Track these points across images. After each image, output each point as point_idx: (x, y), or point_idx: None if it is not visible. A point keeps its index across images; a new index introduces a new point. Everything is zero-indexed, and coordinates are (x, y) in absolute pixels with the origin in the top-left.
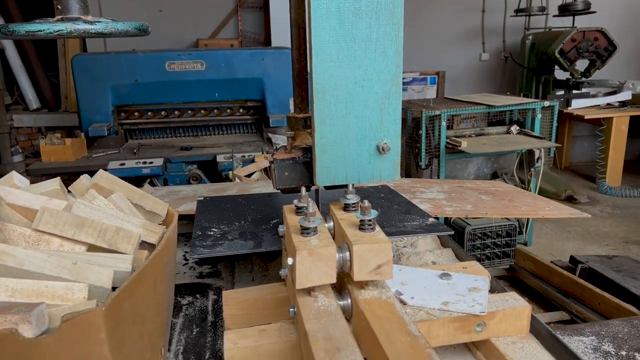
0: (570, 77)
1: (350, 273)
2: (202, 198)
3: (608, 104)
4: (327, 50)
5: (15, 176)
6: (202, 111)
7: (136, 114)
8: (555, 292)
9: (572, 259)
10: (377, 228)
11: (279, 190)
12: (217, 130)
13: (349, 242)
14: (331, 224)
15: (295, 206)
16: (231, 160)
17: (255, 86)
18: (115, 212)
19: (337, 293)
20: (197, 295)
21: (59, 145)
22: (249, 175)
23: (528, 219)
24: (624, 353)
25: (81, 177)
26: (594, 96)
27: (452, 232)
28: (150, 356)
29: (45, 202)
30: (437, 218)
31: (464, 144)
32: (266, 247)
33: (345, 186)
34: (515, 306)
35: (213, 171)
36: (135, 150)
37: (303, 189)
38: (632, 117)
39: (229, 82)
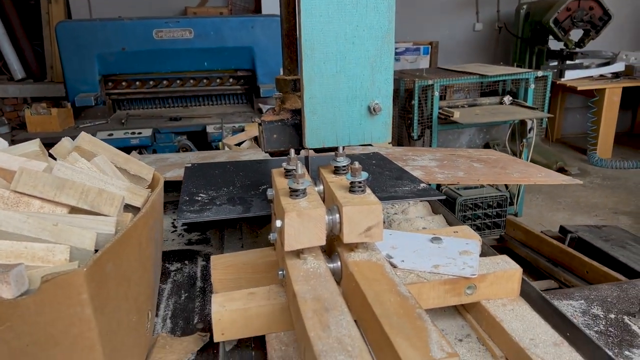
0: (565, 47)
1: (340, 235)
2: (189, 165)
3: (601, 75)
4: (316, 5)
5: None
6: (191, 81)
7: (124, 83)
8: (544, 261)
9: (562, 229)
10: (368, 190)
11: (268, 154)
12: (207, 101)
13: (338, 204)
14: (321, 187)
15: (284, 169)
16: (221, 131)
17: (246, 55)
18: (98, 175)
19: (327, 256)
20: (186, 262)
21: (44, 116)
22: (239, 144)
23: (519, 189)
24: (612, 316)
25: (62, 139)
26: (587, 67)
27: (444, 197)
28: (136, 319)
29: (24, 163)
30: (429, 185)
31: (457, 115)
32: (255, 212)
33: (335, 149)
34: (506, 269)
35: (203, 142)
36: (123, 121)
37: (292, 152)
38: (624, 89)
39: (219, 51)
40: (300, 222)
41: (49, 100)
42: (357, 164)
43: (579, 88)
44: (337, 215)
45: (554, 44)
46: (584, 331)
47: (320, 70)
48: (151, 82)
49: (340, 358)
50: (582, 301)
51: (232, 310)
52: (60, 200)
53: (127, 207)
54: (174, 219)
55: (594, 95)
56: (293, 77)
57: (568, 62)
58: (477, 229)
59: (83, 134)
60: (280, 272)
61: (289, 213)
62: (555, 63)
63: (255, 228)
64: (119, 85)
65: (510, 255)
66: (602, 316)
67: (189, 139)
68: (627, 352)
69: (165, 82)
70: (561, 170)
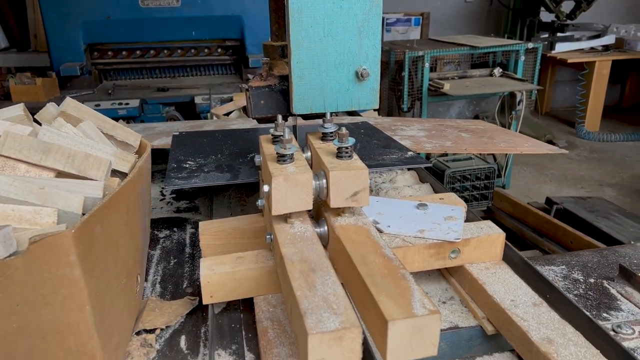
0: (556, 19)
1: (326, 200)
2: (177, 133)
3: (592, 48)
4: None
5: None
6: (179, 51)
7: (110, 53)
8: (530, 232)
9: (548, 200)
10: (355, 156)
11: (256, 122)
12: (195, 71)
13: (325, 169)
14: (308, 154)
15: (272, 135)
16: (209, 102)
17: (234, 24)
18: (84, 140)
19: (314, 221)
20: (175, 229)
21: (29, 85)
22: (227, 114)
23: (507, 162)
24: (592, 280)
25: (47, 105)
26: (578, 40)
27: (430, 164)
28: (125, 282)
29: (9, 127)
30: (417, 154)
31: (447, 86)
32: (243, 178)
33: (323, 115)
34: (490, 233)
35: (191, 113)
36: (110, 91)
37: (279, 117)
38: (614, 63)
39: (207, 20)
40: (287, 187)
41: (33, 70)
42: (344, 130)
43: (569, 61)
44: (324, 181)
45: (545, 16)
46: (564, 293)
47: (307, 35)
48: (138, 52)
49: (325, 315)
50: (564, 266)
51: (221, 274)
52: (46, 164)
53: (115, 173)
54: (162, 187)
55: (584, 69)
56: (281, 43)
57: (559, 34)
58: (465, 200)
59: (68, 99)
60: (268, 237)
61: (276, 177)
62: (546, 35)
63: (244, 196)
64: (105, 55)
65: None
66: (582, 280)
67: (177, 110)
68: (605, 314)
69: (152, 51)
70: (549, 143)
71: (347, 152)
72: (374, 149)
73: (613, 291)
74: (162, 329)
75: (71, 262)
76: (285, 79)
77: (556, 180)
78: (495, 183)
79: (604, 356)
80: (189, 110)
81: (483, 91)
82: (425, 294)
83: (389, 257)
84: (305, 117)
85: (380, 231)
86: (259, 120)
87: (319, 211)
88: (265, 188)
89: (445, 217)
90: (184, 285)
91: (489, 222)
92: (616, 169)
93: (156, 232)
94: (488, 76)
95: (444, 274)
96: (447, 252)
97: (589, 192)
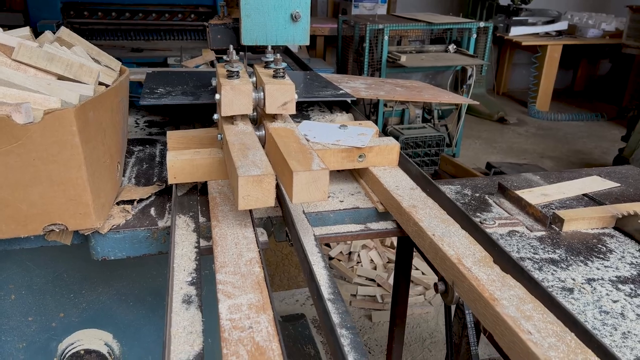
0: (511, 2)
1: (264, 109)
2: (150, 71)
3: (546, 33)
4: None
5: None
6: (153, 14)
7: (85, 13)
8: None
9: (488, 165)
10: (287, 77)
11: (213, 52)
12: (168, 36)
13: (263, 84)
14: (254, 79)
15: (224, 61)
16: (181, 61)
17: None
18: (77, 57)
19: (256, 128)
20: (147, 146)
21: None
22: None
23: (457, 131)
24: (477, 195)
25: (45, 32)
26: (533, 24)
27: (354, 98)
28: (109, 162)
29: (21, 41)
30: (349, 95)
31: (403, 59)
32: (203, 100)
33: (265, 48)
34: (388, 144)
35: None
36: None
37: (231, 47)
38: (566, 50)
39: None
40: (233, 94)
41: (6, 28)
42: (278, 56)
43: (523, 43)
44: (262, 93)
45: (504, 0)
46: (436, 185)
47: None
48: (113, 14)
49: (252, 168)
50: (459, 186)
51: (182, 160)
52: (50, 69)
53: (101, 85)
54: (137, 119)
55: (537, 52)
56: None
57: (514, 17)
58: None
59: (63, 28)
60: (219, 136)
61: (225, 87)
62: (503, 18)
63: (206, 126)
64: (80, 14)
65: None
66: (469, 195)
67: None
68: (479, 214)
69: (127, 14)
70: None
71: (280, 74)
72: (315, 88)
73: (490, 201)
74: (136, 202)
75: (73, 131)
76: (238, 20)
77: (503, 152)
78: (446, 152)
79: (466, 231)
80: None
81: (436, 64)
82: (322, 160)
83: (303, 144)
84: (251, 49)
85: (307, 140)
86: (217, 51)
87: (260, 121)
88: (217, 97)
89: (359, 134)
90: (154, 180)
91: (390, 138)
92: (557, 144)
93: (131, 147)
94: (443, 52)
95: (356, 177)
96: (355, 156)
97: (529, 161)
